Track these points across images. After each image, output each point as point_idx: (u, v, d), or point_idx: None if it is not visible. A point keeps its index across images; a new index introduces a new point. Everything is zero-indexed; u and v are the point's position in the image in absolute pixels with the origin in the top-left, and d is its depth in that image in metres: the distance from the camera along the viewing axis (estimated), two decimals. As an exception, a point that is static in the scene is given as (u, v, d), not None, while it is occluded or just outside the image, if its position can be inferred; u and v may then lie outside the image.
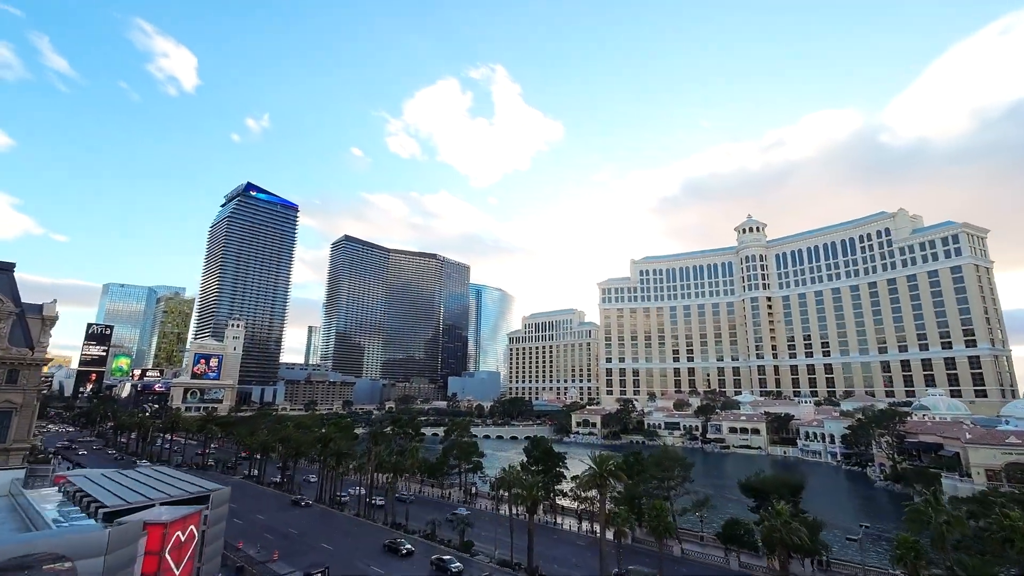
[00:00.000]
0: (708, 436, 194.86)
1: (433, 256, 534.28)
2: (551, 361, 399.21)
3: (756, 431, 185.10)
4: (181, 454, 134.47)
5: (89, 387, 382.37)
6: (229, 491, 40.01)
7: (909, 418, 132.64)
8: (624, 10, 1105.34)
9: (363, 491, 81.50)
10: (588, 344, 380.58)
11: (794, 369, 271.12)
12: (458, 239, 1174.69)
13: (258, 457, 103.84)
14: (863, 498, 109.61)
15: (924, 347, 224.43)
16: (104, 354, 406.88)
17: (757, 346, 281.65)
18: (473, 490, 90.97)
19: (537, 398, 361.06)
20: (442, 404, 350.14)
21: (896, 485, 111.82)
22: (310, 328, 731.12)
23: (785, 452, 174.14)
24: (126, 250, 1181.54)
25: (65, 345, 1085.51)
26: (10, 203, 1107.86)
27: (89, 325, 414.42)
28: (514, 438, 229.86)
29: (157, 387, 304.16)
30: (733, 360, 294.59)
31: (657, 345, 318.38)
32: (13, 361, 62.91)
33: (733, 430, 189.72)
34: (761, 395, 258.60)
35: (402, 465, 69.70)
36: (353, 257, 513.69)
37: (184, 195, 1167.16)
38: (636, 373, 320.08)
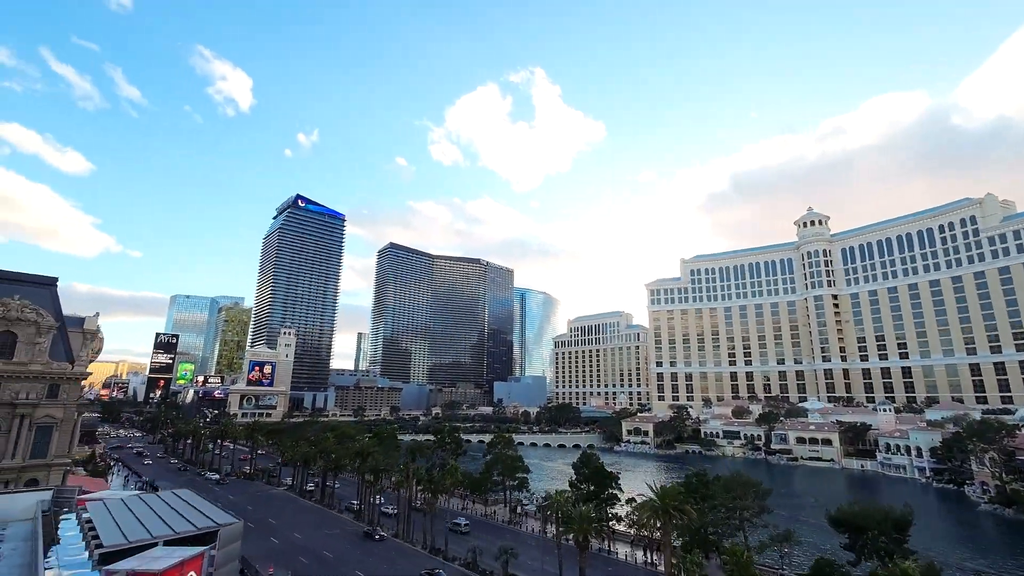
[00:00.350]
0: (772, 447, 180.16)
1: (476, 261, 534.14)
2: (598, 365, 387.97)
3: (827, 442, 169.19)
4: (231, 462, 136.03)
5: (158, 393, 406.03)
6: (241, 526, 35.97)
7: (1020, 430, 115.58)
8: (663, 4, 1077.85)
9: (375, 504, 77.72)
10: (637, 347, 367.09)
11: (866, 373, 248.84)
12: (501, 243, 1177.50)
13: (299, 465, 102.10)
14: (966, 525, 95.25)
15: (1022, 347, 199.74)
16: (171, 362, 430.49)
17: (823, 348, 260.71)
18: (519, 509, 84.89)
19: (584, 403, 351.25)
20: (488, 410, 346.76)
21: (1007, 510, 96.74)
22: (359, 334, 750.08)
23: (863, 466, 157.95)
24: (192, 262, 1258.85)
25: (141, 352, 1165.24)
26: (92, 223, 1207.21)
27: (157, 335, 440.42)
28: (562, 446, 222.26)
29: (216, 393, 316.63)
30: (796, 363, 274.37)
31: (711, 348, 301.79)
32: (53, 376, 62.55)
33: (801, 440, 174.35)
34: (829, 401, 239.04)
35: (441, 485, 64.76)
36: (398, 264, 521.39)
37: (244, 209, 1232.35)
38: (689, 377, 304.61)
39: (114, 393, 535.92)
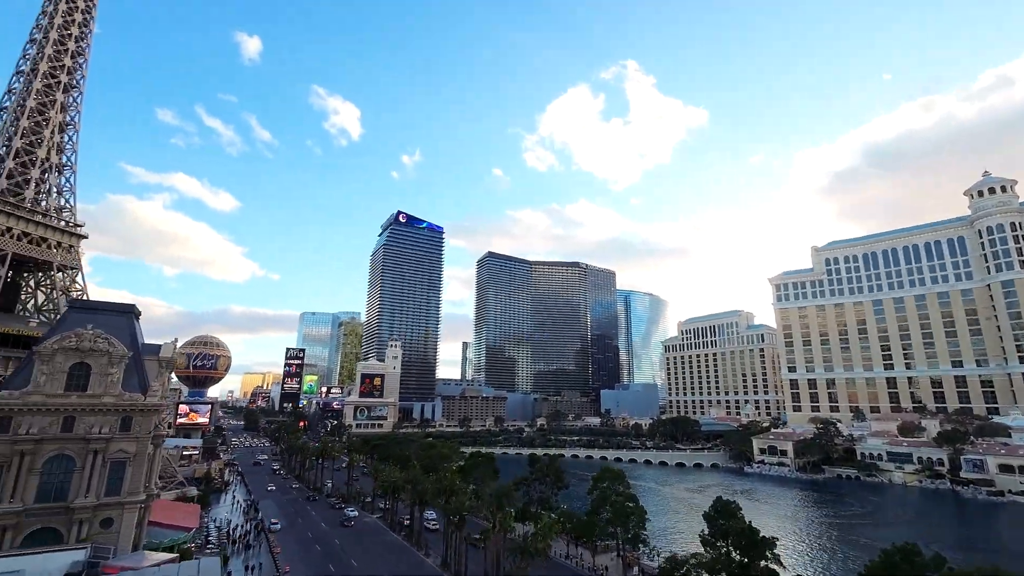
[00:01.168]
0: (963, 475, 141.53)
1: (576, 265, 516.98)
2: (716, 371, 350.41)
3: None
4: (331, 477, 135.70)
5: (290, 404, 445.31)
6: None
7: None
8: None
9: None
10: (761, 350, 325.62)
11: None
12: (601, 245, 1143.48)
13: (389, 493, 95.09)
14: None
15: None
16: (299, 374, 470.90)
17: (1019, 346, 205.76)
18: (636, 569, 68.23)
19: (702, 413, 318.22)
20: (595, 420, 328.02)
21: None
22: (464, 343, 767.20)
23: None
24: (318, 281, 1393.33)
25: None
26: (241, 252, 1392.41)
27: (287, 349, 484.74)
28: (680, 465, 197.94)
29: (335, 404, 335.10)
30: (978, 365, 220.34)
31: (858, 349, 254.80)
32: (125, 408, 59.84)
33: (1007, 468, 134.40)
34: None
35: (531, 547, 51.67)
36: (497, 272, 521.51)
37: (360, 229, 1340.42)
38: (831, 384, 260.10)
39: (259, 403, 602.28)
